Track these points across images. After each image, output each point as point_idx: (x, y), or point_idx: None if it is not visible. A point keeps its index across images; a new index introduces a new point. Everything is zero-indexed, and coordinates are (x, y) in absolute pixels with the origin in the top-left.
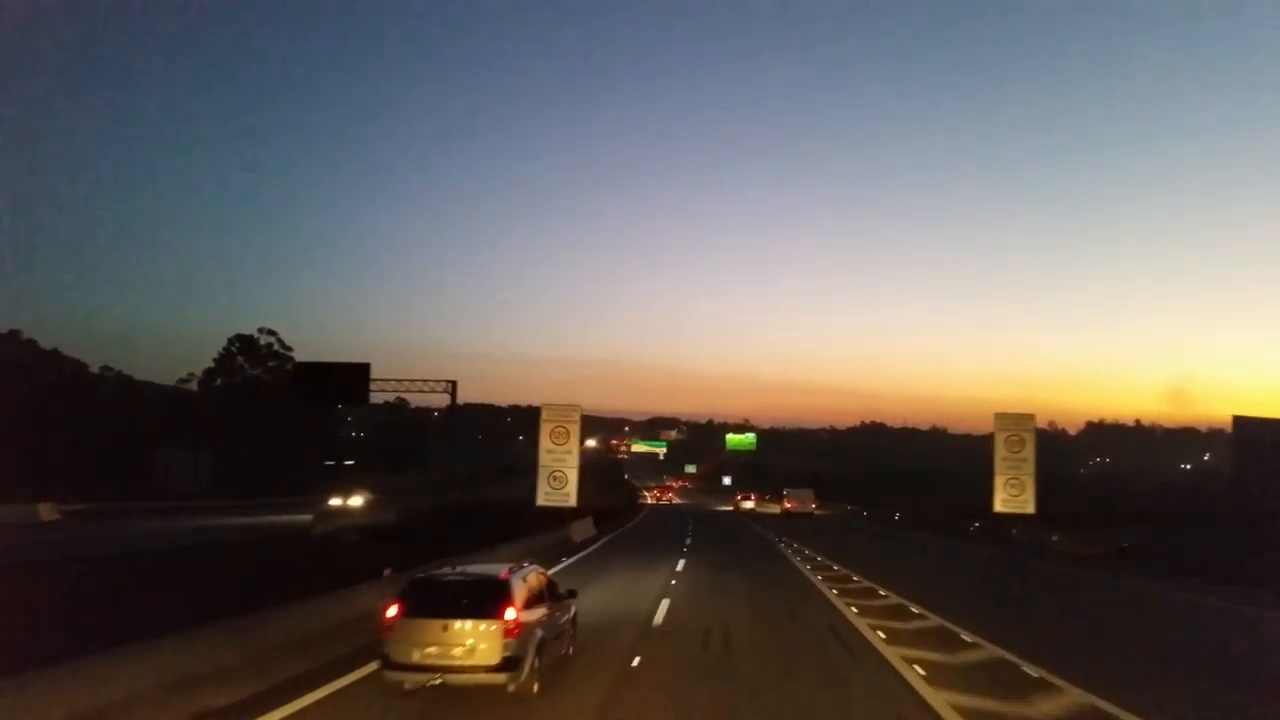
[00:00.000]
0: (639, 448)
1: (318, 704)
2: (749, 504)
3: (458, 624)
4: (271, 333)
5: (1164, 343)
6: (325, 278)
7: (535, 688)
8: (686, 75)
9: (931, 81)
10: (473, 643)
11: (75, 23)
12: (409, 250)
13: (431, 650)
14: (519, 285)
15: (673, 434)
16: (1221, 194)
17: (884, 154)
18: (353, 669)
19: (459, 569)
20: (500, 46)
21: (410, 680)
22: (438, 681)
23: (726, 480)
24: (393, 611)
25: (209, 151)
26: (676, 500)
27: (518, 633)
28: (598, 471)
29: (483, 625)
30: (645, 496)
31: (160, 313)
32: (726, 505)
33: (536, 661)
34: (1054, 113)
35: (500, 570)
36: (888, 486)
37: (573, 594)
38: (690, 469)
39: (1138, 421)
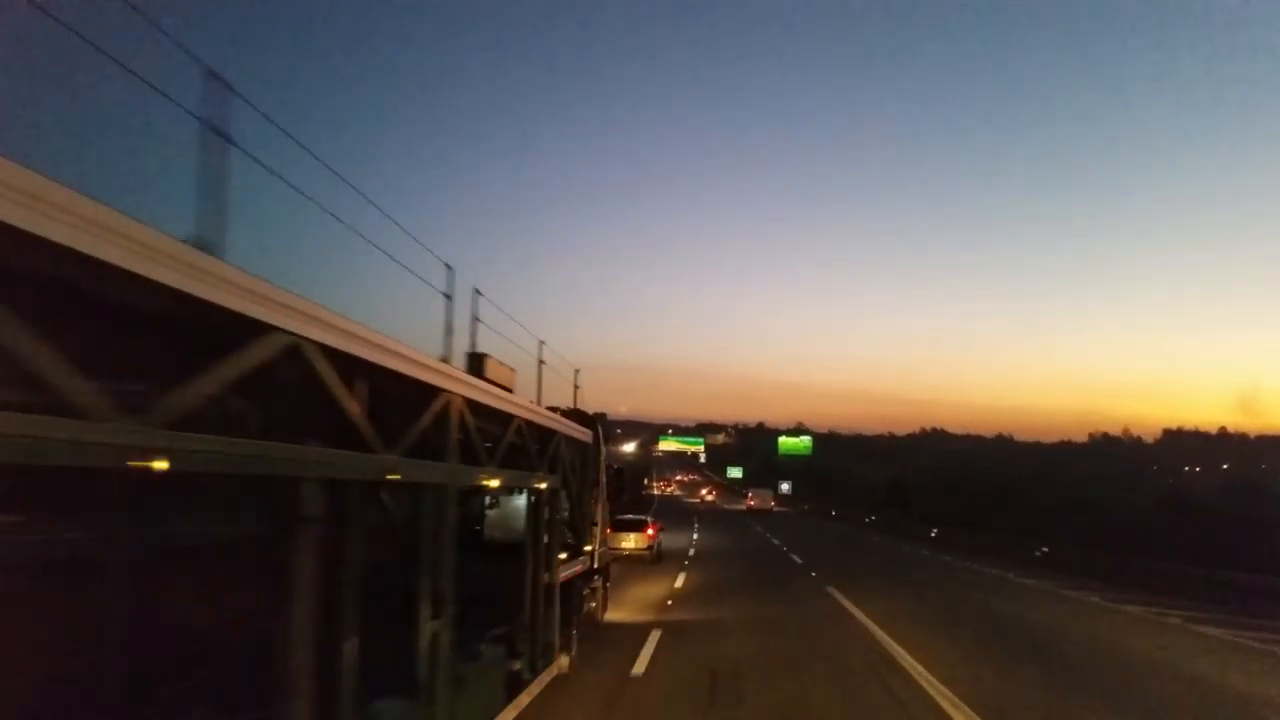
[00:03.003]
0: (667, 445)
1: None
2: (711, 497)
3: (631, 534)
4: None
5: (1239, 350)
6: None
7: (659, 559)
8: (736, 85)
9: (995, 94)
10: (636, 540)
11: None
12: (461, 260)
13: (623, 543)
14: (570, 291)
15: (719, 437)
16: None
17: (949, 163)
18: None
19: (629, 515)
20: (543, 60)
21: (612, 555)
22: (625, 554)
23: (785, 487)
24: (607, 531)
25: None
26: (677, 492)
27: (653, 537)
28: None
29: (640, 534)
30: (653, 489)
31: None
32: (738, 505)
33: (658, 549)
34: (1125, 119)
35: (645, 517)
36: (982, 499)
37: (663, 529)
38: (734, 472)
39: (1222, 429)
